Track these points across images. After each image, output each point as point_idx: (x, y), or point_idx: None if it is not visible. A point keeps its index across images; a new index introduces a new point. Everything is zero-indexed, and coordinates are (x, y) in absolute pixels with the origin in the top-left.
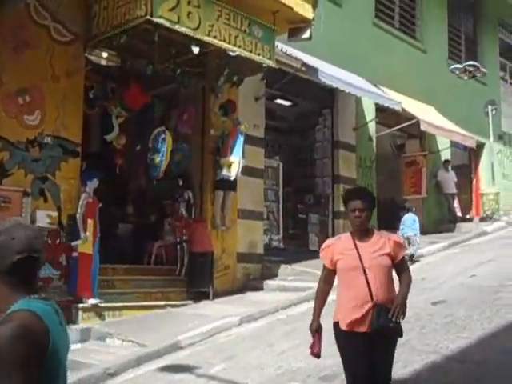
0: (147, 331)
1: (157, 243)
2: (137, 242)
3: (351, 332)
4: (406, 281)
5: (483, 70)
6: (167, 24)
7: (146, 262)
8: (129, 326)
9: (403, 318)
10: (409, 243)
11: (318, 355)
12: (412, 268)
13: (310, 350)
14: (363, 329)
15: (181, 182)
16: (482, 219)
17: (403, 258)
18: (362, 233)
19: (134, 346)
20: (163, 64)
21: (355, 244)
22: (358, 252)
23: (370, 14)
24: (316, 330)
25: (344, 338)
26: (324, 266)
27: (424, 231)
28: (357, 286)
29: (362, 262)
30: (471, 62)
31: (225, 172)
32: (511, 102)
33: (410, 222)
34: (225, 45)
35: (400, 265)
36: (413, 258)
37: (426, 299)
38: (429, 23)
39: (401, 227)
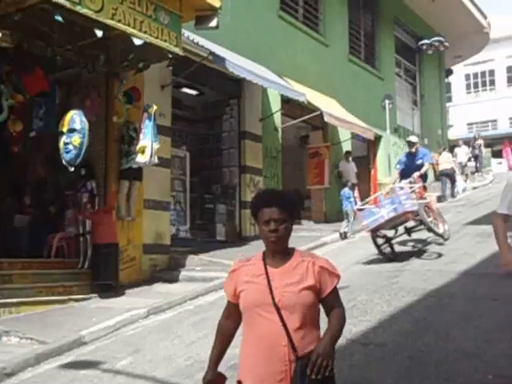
0: (48, 327)
1: (58, 235)
2: (36, 235)
3: None
4: (335, 321)
5: (446, 44)
6: (67, 4)
7: (47, 255)
8: (28, 322)
9: (329, 373)
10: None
11: None
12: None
13: None
14: None
15: (83, 172)
16: None
17: (334, 289)
18: (279, 254)
19: (33, 343)
20: (64, 47)
21: (266, 270)
22: (269, 282)
23: (274, 6)
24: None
25: None
26: (228, 300)
27: (327, 220)
28: (267, 331)
29: (273, 296)
30: (436, 38)
31: (139, 159)
32: (405, 97)
33: (346, 197)
34: (129, 29)
35: (329, 299)
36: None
37: None
38: (331, 18)
39: (340, 200)
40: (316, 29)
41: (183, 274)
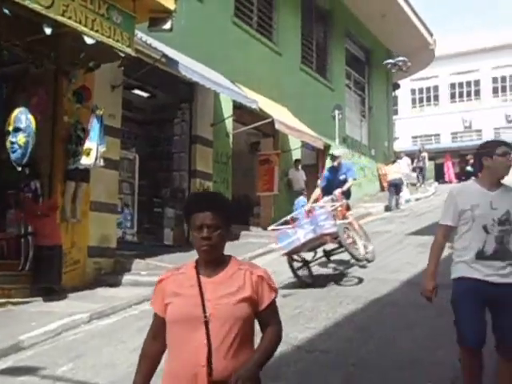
0: None
1: None
2: None
3: None
4: (267, 341)
5: (409, 63)
6: None
7: None
8: None
9: None
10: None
11: None
12: (263, 262)
13: None
14: None
15: (27, 171)
16: None
17: (271, 304)
18: (213, 263)
19: None
20: (11, 41)
21: (199, 280)
22: (201, 293)
23: (229, 12)
24: None
25: None
26: (154, 313)
27: None
28: (189, 348)
29: (204, 309)
30: (401, 58)
31: (83, 161)
32: (354, 108)
33: (301, 205)
34: (81, 27)
35: (266, 314)
36: None
37: None
38: (284, 28)
39: (294, 208)
40: (269, 37)
41: (129, 278)
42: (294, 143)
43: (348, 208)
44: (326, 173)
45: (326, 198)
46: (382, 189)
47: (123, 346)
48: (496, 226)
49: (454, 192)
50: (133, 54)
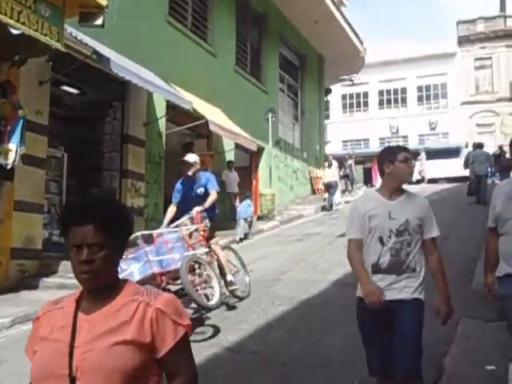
0: None
1: None
2: None
3: None
4: None
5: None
6: None
7: None
8: None
9: None
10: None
11: None
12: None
13: None
14: None
15: None
16: (260, 218)
17: (178, 345)
18: (98, 293)
19: None
20: None
21: (74, 318)
22: (73, 337)
23: (163, 11)
24: None
25: None
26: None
27: None
28: None
29: (70, 361)
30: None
31: (1, 160)
32: (287, 112)
33: (245, 207)
34: (6, 19)
35: (170, 361)
36: (242, 240)
37: None
38: (219, 29)
39: (238, 210)
40: (204, 38)
41: (55, 280)
42: (228, 145)
43: (213, 231)
44: (177, 185)
45: (183, 219)
46: (314, 191)
47: None
48: (393, 237)
49: (356, 203)
50: (62, 49)
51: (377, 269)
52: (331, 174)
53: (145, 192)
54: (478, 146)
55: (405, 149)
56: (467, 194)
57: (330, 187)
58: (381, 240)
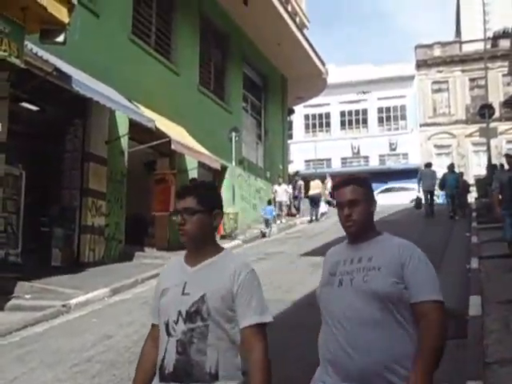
0: None
1: None
2: None
3: None
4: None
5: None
6: None
7: None
8: None
9: None
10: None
11: None
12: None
13: None
14: None
15: None
16: (223, 237)
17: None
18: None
19: None
20: None
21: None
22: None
23: (126, 29)
24: None
25: None
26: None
27: (170, 247)
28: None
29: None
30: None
31: None
32: (251, 131)
33: (269, 210)
34: None
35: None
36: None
37: None
38: (183, 48)
39: (262, 213)
40: (167, 56)
41: (10, 302)
42: (191, 163)
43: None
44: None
45: None
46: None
47: (1, 375)
48: (181, 323)
49: (161, 273)
50: (21, 65)
51: (162, 375)
52: (315, 186)
53: (106, 211)
54: (427, 165)
55: None
56: (415, 207)
57: (313, 200)
58: (167, 327)
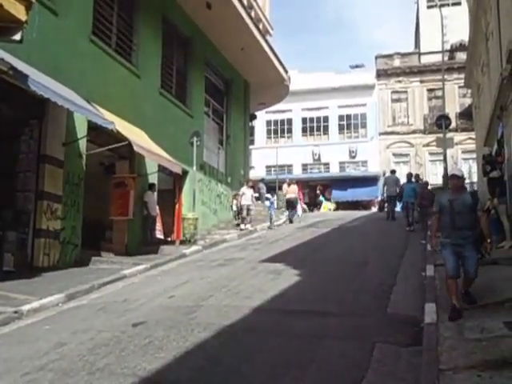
0: None
1: None
2: None
3: None
4: None
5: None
6: None
7: None
8: None
9: None
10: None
11: None
12: (114, 289)
13: None
14: None
15: None
16: (182, 242)
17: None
18: None
19: None
20: None
21: None
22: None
23: (87, 30)
24: None
25: None
26: None
27: (128, 252)
28: None
29: None
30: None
31: None
32: (212, 136)
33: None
34: None
35: None
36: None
37: (127, 320)
38: (144, 51)
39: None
40: (129, 59)
41: None
42: (151, 167)
43: None
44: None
45: None
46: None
47: None
48: None
49: None
50: None
51: None
52: (291, 191)
53: (62, 214)
54: (391, 171)
55: None
56: (378, 210)
57: (290, 203)
58: None
